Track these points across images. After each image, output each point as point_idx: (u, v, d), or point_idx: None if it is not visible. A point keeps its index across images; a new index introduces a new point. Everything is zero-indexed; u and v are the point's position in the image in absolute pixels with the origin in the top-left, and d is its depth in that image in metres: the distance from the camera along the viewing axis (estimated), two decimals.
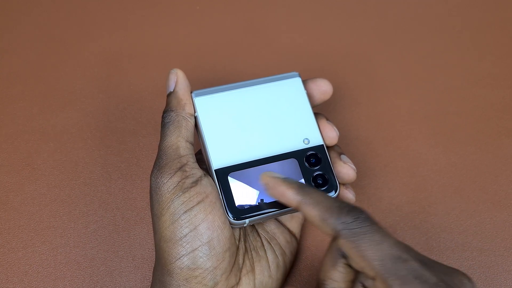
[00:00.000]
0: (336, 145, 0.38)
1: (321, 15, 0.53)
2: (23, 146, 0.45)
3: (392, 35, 0.52)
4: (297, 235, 0.39)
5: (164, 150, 0.34)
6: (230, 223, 0.34)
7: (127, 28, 0.52)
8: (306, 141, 0.36)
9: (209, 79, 0.48)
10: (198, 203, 0.32)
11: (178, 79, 0.36)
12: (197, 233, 0.32)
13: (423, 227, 0.42)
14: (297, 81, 0.38)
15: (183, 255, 0.32)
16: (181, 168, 0.33)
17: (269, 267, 0.36)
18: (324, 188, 0.35)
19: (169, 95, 0.36)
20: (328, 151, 0.37)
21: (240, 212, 0.34)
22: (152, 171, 0.34)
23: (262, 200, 0.34)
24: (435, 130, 0.46)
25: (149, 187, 0.34)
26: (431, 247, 0.41)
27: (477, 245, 0.41)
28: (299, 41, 0.51)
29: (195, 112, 0.36)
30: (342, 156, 0.37)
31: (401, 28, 0.53)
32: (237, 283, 0.34)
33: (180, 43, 0.51)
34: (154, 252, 0.40)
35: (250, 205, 0.34)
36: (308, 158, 0.36)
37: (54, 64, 0.49)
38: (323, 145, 0.36)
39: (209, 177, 0.34)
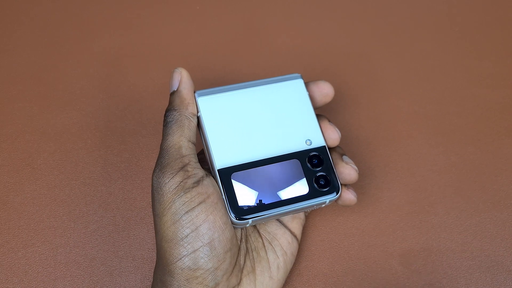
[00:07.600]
0: (338, 146, 0.38)
1: (321, 15, 0.53)
2: (23, 146, 0.44)
3: (392, 35, 0.52)
4: (298, 236, 0.38)
5: (166, 149, 0.34)
6: (233, 223, 0.34)
7: (127, 28, 0.52)
8: (308, 142, 0.36)
9: (209, 79, 0.48)
10: (200, 203, 0.32)
11: (182, 78, 0.36)
12: (198, 233, 0.32)
13: (423, 227, 0.42)
14: (300, 83, 0.38)
15: (184, 255, 0.32)
16: (183, 168, 0.33)
17: (269, 267, 0.36)
18: (326, 189, 0.35)
19: (173, 94, 0.36)
20: (330, 152, 0.37)
21: (243, 212, 0.34)
22: (154, 171, 0.33)
23: (264, 200, 0.34)
24: (435, 130, 0.46)
25: (149, 187, 0.34)
26: (431, 247, 0.41)
27: (477, 245, 0.41)
28: (299, 41, 0.51)
29: (198, 112, 0.36)
30: (344, 157, 0.37)
31: (401, 28, 0.53)
32: (238, 284, 0.34)
33: (180, 43, 0.51)
34: (154, 252, 0.40)
35: (253, 205, 0.34)
36: (310, 159, 0.36)
37: (54, 64, 0.49)
38: (325, 146, 0.36)
39: (211, 177, 0.34)
